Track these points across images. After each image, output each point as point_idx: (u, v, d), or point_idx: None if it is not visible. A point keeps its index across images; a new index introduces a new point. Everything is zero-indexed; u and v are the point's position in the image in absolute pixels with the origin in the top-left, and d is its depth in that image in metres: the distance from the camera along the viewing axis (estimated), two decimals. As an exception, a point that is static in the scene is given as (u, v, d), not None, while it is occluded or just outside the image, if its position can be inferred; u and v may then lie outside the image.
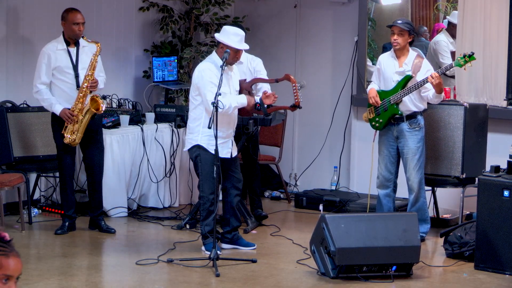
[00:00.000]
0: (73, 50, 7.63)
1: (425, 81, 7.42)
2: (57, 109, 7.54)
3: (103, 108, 7.55)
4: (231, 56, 6.96)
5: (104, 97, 7.84)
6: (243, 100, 7.04)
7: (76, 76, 7.58)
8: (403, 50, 7.61)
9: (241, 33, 7.11)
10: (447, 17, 9.49)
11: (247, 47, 7.10)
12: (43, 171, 8.27)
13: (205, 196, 7.06)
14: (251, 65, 8.00)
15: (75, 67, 7.59)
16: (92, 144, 7.75)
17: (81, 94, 7.53)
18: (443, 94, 7.57)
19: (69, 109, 7.51)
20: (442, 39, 9.23)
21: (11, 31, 8.41)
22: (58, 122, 7.58)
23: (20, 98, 8.36)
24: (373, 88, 7.78)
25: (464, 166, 7.89)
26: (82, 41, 7.66)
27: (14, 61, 8.44)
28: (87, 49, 7.68)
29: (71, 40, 7.62)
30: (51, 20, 8.65)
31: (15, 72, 8.45)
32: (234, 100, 6.95)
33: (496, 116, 8.20)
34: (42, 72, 7.56)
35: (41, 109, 8.23)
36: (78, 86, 7.56)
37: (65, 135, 7.53)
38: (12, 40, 8.42)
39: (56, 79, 7.59)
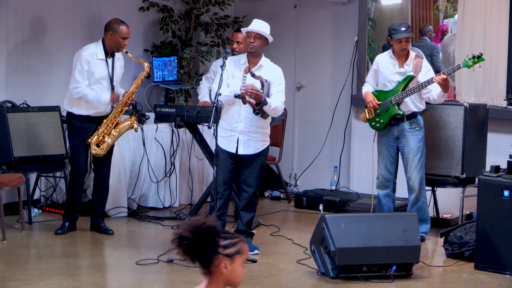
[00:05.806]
0: (109, 61, 7.57)
1: (429, 82, 7.41)
2: (106, 97, 7.47)
3: (137, 127, 7.65)
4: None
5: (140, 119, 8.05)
6: (227, 92, 6.91)
7: (112, 88, 7.54)
8: None
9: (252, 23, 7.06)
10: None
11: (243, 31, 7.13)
12: (43, 171, 8.26)
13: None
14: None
15: (111, 80, 7.56)
16: None
17: (118, 109, 7.53)
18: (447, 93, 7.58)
19: (97, 117, 7.53)
20: None
21: (11, 30, 8.40)
22: (79, 123, 7.53)
23: (20, 98, 8.35)
24: (368, 91, 7.76)
25: (464, 166, 7.89)
26: (116, 53, 7.62)
27: (14, 61, 8.43)
28: (119, 62, 7.68)
29: (110, 51, 7.54)
30: (52, 18, 8.66)
31: (15, 72, 8.44)
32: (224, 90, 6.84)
33: (496, 116, 8.20)
34: (82, 75, 7.42)
35: (41, 109, 8.23)
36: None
37: (92, 145, 7.51)
38: (13, 39, 8.42)
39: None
